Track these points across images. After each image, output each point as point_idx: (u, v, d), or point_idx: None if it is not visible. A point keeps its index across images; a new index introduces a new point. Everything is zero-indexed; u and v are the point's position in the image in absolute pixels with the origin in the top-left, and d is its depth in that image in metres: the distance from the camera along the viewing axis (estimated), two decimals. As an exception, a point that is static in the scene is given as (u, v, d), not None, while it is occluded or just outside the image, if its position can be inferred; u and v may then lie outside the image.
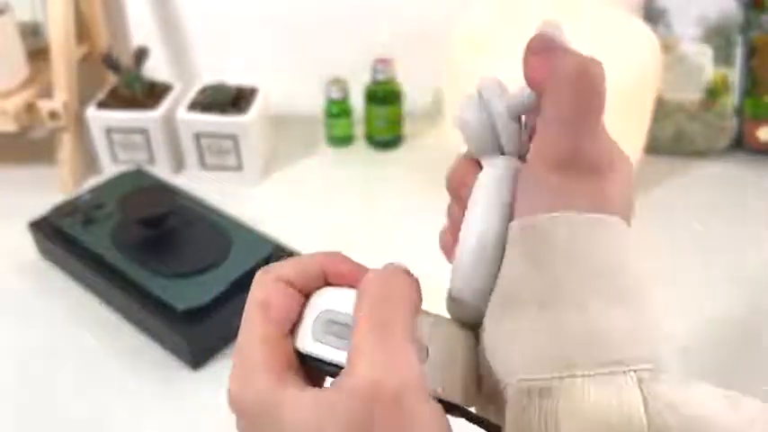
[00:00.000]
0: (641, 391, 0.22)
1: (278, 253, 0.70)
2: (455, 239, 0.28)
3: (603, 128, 0.26)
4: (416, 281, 0.26)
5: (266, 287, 0.27)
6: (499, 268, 0.27)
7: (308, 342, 0.27)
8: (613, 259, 0.25)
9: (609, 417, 0.22)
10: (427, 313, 0.27)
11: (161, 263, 0.69)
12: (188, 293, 0.65)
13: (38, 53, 0.91)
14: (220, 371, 0.66)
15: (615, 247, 0.25)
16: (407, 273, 0.27)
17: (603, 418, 0.22)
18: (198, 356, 0.65)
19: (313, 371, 0.27)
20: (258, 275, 0.28)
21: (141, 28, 1.02)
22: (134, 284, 0.67)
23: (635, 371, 0.23)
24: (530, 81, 0.26)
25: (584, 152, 0.25)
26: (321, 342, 0.26)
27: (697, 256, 0.76)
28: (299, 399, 0.24)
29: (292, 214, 0.85)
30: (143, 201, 0.72)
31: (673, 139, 0.92)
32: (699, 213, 0.83)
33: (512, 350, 0.25)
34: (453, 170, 0.30)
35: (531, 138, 0.27)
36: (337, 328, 0.26)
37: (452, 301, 0.28)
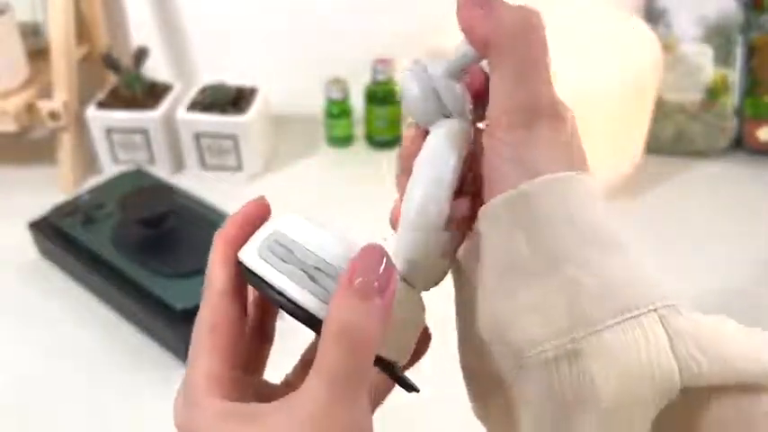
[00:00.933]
0: (665, 329, 0.23)
1: None
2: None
3: (551, 77, 0.27)
4: (382, 307, 0.24)
5: (214, 306, 0.26)
6: (446, 233, 0.26)
7: (252, 256, 0.26)
8: (599, 214, 0.25)
9: (640, 361, 0.22)
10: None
11: (160, 262, 0.69)
12: (186, 293, 0.65)
13: (38, 53, 0.91)
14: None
15: (597, 201, 0.26)
16: (376, 308, 0.24)
17: (635, 363, 0.22)
18: None
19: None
20: (206, 288, 0.27)
21: (141, 28, 1.02)
22: (133, 284, 0.68)
23: (654, 310, 0.23)
24: (471, 36, 0.26)
25: (545, 96, 0.26)
26: (265, 261, 0.25)
27: (697, 255, 0.76)
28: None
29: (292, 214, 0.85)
30: (143, 201, 0.72)
31: (673, 139, 0.92)
32: (699, 213, 0.83)
33: (530, 322, 0.24)
34: (402, 143, 0.30)
35: (475, 100, 0.27)
36: (283, 251, 0.25)
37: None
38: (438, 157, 0.27)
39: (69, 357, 0.67)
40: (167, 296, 0.65)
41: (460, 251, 0.28)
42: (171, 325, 0.64)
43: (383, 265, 0.24)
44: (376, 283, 0.24)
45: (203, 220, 0.75)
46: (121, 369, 0.66)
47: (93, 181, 0.90)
